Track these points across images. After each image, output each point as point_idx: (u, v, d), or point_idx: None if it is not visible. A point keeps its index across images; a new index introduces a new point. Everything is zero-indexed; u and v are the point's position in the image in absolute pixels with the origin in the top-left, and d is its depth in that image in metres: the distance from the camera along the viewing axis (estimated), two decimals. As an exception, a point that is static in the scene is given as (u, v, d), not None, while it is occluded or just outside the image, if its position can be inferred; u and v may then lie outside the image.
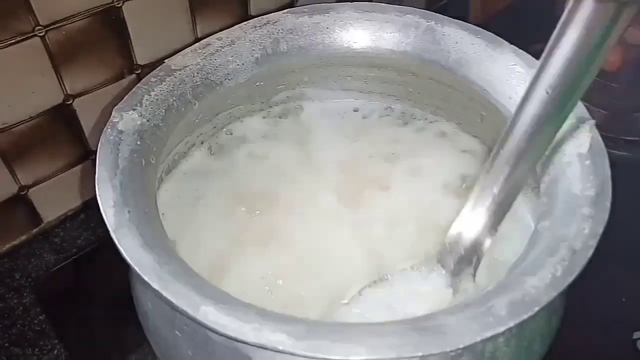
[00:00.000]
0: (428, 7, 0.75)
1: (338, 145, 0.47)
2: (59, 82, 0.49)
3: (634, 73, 0.62)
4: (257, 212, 0.43)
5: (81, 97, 0.52)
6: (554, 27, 0.68)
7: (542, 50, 0.68)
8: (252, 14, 0.59)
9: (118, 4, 0.49)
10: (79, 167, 0.56)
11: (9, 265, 0.55)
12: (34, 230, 0.57)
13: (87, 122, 0.54)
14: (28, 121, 0.49)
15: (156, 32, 0.53)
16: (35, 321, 0.51)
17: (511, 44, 0.43)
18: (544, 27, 0.68)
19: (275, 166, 0.46)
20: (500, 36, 0.43)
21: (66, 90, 0.50)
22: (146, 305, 0.35)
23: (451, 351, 0.26)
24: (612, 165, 0.60)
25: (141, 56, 0.54)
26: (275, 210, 0.43)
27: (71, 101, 0.51)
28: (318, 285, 0.39)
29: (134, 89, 0.38)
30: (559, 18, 0.68)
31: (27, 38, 0.46)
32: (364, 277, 0.38)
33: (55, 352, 0.50)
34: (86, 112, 0.53)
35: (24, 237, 0.56)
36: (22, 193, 0.53)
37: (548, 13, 0.67)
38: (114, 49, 0.52)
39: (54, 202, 0.56)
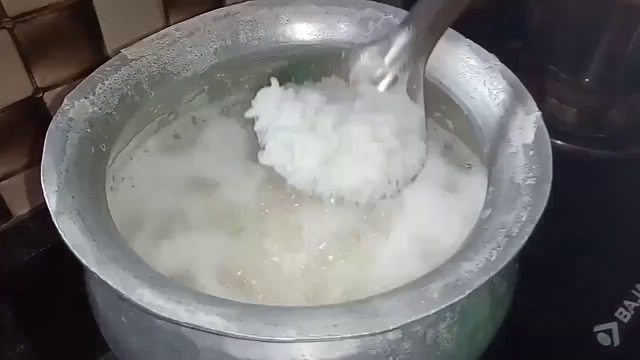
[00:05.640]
0: (406, 5, 0.75)
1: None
2: (29, 75, 0.49)
3: (604, 69, 0.62)
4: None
5: (51, 91, 0.52)
6: (530, 24, 0.69)
7: (517, 49, 0.68)
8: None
9: (89, -3, 0.49)
10: (49, 161, 0.55)
11: (-22, 260, 0.54)
12: (4, 225, 0.56)
13: (57, 116, 0.54)
14: (-3, 114, 0.50)
15: (128, 26, 0.53)
16: (3, 317, 0.51)
17: (487, 41, 0.43)
18: (518, 26, 0.69)
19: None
20: (476, 34, 0.43)
21: (36, 84, 0.50)
22: (95, 292, 0.35)
23: (380, 332, 0.26)
24: (582, 162, 0.61)
25: (113, 50, 0.54)
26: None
27: (41, 94, 0.51)
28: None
29: (87, 77, 0.38)
30: (534, 16, 0.69)
31: (-6, 30, 0.46)
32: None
33: (23, 347, 0.49)
34: (57, 106, 0.52)
35: (-7, 232, 0.56)
36: (-8, 187, 0.53)
37: (523, 12, 0.67)
38: (85, 43, 0.52)
39: (24, 196, 0.56)
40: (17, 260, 0.55)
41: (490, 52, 0.42)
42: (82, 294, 0.38)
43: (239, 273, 0.39)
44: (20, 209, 0.57)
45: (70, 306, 0.49)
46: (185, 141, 0.46)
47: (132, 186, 0.42)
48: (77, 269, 0.33)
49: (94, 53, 0.53)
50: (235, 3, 0.46)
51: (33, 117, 0.52)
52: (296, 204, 0.42)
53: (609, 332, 0.49)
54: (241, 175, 0.44)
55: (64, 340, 0.49)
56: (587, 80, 0.63)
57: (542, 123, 0.36)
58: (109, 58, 0.53)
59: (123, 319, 0.33)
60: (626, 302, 0.50)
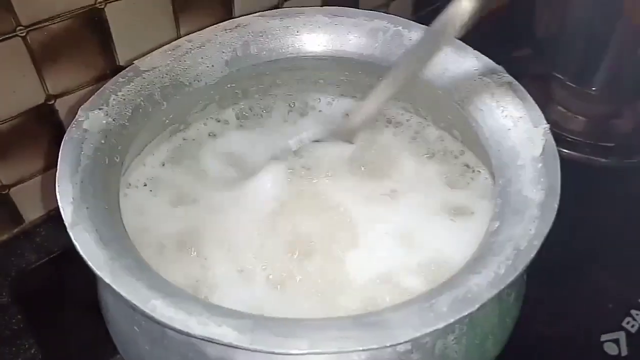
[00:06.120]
0: (416, 13, 0.75)
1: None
2: (41, 82, 0.50)
3: (611, 78, 0.62)
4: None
5: (63, 98, 0.52)
6: (538, 33, 0.69)
7: (524, 57, 0.68)
8: (237, 15, 0.59)
9: (100, 5, 0.49)
10: (61, 167, 0.56)
11: (-12, 264, 0.54)
12: (15, 230, 0.57)
13: (69, 123, 0.53)
14: (9, 121, 0.50)
15: (139, 34, 0.54)
16: (13, 320, 0.51)
17: (496, 49, 0.44)
18: (526, 34, 0.69)
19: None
20: (486, 41, 0.44)
21: (48, 91, 0.51)
22: (107, 300, 0.35)
23: (391, 345, 0.27)
24: (589, 171, 0.61)
25: (123, 57, 0.54)
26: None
27: (53, 101, 0.52)
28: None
29: (101, 88, 0.38)
30: (542, 25, 0.69)
31: (8, 38, 0.46)
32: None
33: (32, 351, 0.50)
34: (68, 113, 0.53)
35: (4, 237, 0.56)
36: (4, 192, 0.54)
37: (532, 20, 0.68)
38: (96, 50, 0.52)
39: (36, 201, 0.57)
40: (28, 264, 0.55)
41: (498, 59, 0.43)
42: (92, 299, 0.39)
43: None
44: (32, 214, 0.57)
45: (80, 310, 0.50)
46: (194, 149, 0.47)
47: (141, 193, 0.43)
48: (87, 274, 0.33)
49: (106, 60, 0.53)
50: (245, 13, 0.47)
51: (45, 124, 0.53)
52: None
53: (616, 341, 0.49)
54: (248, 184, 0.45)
55: (74, 343, 0.50)
56: (594, 88, 0.64)
57: (550, 135, 0.36)
58: (120, 65, 0.54)
59: (135, 328, 0.33)
60: (634, 312, 0.50)
